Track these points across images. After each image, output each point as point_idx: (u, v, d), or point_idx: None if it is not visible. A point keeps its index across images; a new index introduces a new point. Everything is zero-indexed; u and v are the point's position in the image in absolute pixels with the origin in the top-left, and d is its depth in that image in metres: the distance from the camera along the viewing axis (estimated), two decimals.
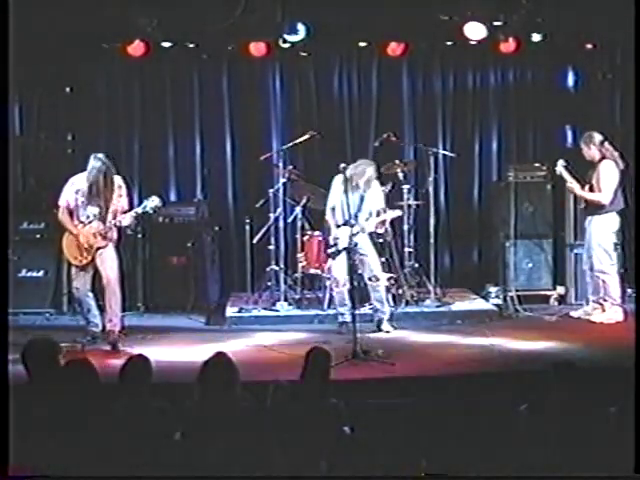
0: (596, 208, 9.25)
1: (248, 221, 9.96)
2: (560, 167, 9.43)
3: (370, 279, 8.82)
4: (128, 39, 10.04)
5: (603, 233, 9.25)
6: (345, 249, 8.48)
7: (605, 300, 9.29)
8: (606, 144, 9.27)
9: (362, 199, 8.82)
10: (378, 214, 8.87)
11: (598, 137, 9.29)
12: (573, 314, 9.50)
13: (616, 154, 9.27)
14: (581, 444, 4.92)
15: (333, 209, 8.94)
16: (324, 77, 10.90)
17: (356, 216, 8.46)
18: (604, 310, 9.29)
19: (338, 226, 8.84)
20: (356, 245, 8.50)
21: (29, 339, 5.71)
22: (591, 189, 9.25)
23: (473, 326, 9.16)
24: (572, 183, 9.38)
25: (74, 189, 8.37)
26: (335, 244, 8.76)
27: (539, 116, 10.93)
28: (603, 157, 9.23)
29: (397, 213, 9.14)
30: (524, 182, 10.16)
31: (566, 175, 9.41)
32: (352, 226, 8.64)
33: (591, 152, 9.27)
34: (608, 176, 9.19)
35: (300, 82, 10.90)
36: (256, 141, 10.76)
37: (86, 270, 8.40)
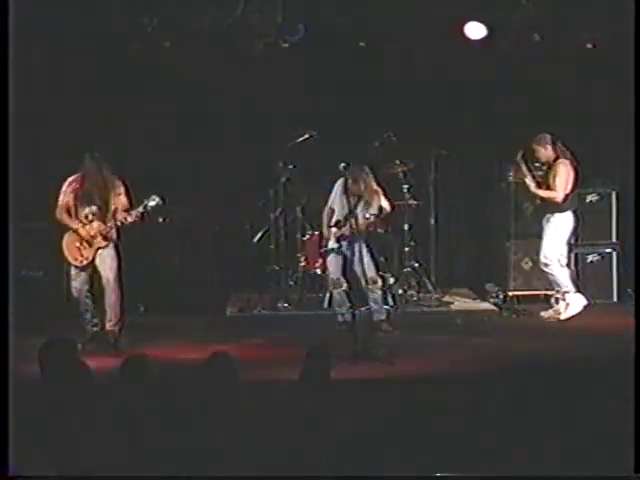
0: (553, 206, 9.24)
1: (248, 221, 9.96)
2: (519, 159, 9.38)
3: (367, 282, 8.82)
4: (128, 39, 10.05)
5: (559, 232, 9.25)
6: (334, 249, 8.51)
7: (556, 296, 9.33)
8: (558, 143, 9.29)
9: (358, 202, 8.81)
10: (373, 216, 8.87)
11: (549, 137, 9.33)
12: (543, 314, 9.47)
13: (568, 153, 9.28)
14: (581, 444, 4.92)
15: (329, 211, 8.96)
16: (324, 77, 10.90)
17: (346, 218, 8.45)
18: (551, 306, 9.34)
19: (330, 227, 8.86)
20: (349, 245, 8.45)
21: (47, 339, 5.70)
22: (548, 189, 9.25)
23: (473, 326, 9.17)
24: (529, 179, 9.34)
25: (71, 188, 8.40)
26: (326, 245, 8.80)
27: (539, 116, 10.91)
28: (557, 157, 9.23)
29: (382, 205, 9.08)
30: (524, 182, 10.13)
31: (524, 169, 9.37)
32: (341, 227, 8.65)
33: (547, 152, 9.29)
34: (564, 175, 9.21)
35: (300, 82, 10.90)
36: (256, 141, 10.76)
37: (85, 270, 8.40)
